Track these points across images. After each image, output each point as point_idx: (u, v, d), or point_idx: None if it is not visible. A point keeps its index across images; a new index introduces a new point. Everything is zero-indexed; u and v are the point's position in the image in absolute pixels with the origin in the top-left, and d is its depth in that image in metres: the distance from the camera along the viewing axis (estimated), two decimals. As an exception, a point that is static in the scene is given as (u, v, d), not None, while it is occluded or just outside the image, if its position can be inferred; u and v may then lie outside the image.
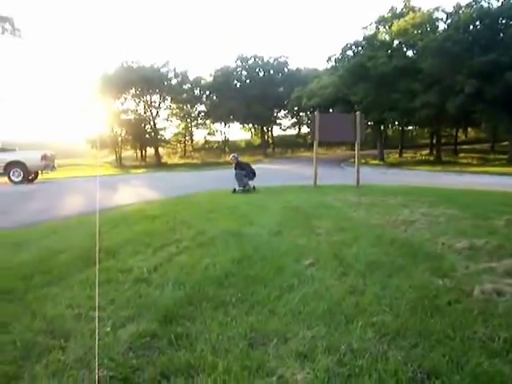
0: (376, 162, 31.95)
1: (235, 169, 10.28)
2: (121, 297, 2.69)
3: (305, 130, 52.63)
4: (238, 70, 44.37)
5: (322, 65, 47.80)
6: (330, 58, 34.04)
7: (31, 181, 15.92)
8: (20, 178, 15.36)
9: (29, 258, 3.82)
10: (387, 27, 32.77)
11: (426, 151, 38.94)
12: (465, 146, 40.31)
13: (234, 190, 9.78)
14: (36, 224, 6.06)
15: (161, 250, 3.91)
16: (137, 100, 39.07)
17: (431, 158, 33.62)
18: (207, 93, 43.62)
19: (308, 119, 42.43)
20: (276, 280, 3.01)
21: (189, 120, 46.20)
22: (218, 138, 50.00)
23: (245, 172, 10.08)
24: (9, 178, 15.43)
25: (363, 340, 2.12)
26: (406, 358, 1.95)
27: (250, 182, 10.16)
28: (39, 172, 16.52)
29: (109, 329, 2.21)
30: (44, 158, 15.76)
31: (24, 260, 3.77)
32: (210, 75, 43.45)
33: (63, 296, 2.77)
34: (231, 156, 11.12)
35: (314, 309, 2.49)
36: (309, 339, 2.13)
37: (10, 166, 15.41)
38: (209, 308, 2.49)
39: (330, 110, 32.01)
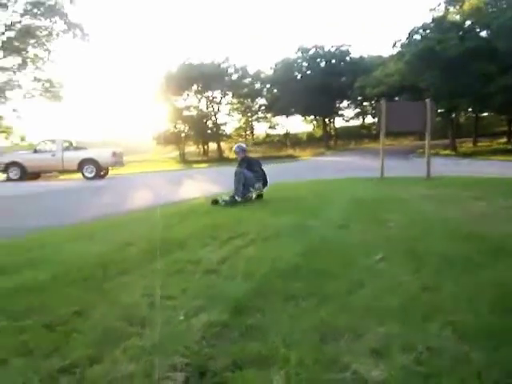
0: (447, 152, 30.44)
1: (239, 165, 7.24)
2: (192, 287, 2.78)
3: (369, 120, 51.32)
4: (299, 61, 43.98)
5: (386, 51, 46.29)
6: (395, 44, 32.82)
7: (102, 176, 16.89)
8: (93, 174, 16.41)
9: (103, 249, 4.04)
10: (458, 7, 31.00)
11: (504, 139, 36.47)
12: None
13: (216, 201, 6.70)
14: (108, 216, 6.41)
15: (228, 243, 3.98)
16: (199, 96, 39.95)
17: (509, 147, 31.43)
18: (268, 86, 43.67)
19: (373, 109, 41.29)
20: (345, 274, 2.96)
21: (249, 114, 46.60)
22: (279, 131, 50.00)
23: (253, 175, 7.06)
24: (82, 174, 16.53)
25: (441, 339, 2.02)
26: (489, 359, 1.83)
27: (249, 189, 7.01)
28: (109, 168, 17.53)
29: (182, 317, 2.29)
30: (114, 155, 16.74)
31: (98, 251, 3.99)
32: (271, 68, 43.48)
33: (137, 285, 2.90)
34: (235, 147, 7.76)
35: (387, 305, 2.41)
36: (382, 336, 2.07)
37: (84, 163, 16.51)
38: (278, 300, 2.49)
39: (396, 99, 30.93)
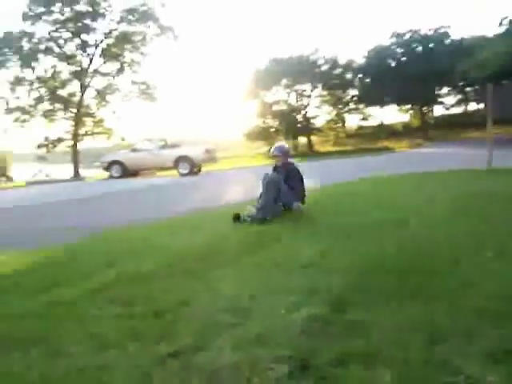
0: None
1: (275, 171, 5.69)
2: (290, 281, 2.82)
3: (472, 107, 47.75)
4: (393, 47, 42.20)
5: (491, 31, 42.56)
6: (501, 22, 30.14)
7: (196, 173, 17.70)
8: (187, 171, 17.29)
9: (202, 242, 4.28)
10: None
11: None
12: None
13: (238, 216, 5.24)
14: (203, 210, 6.73)
15: (324, 237, 3.97)
16: (288, 90, 40.09)
17: None
18: (359, 76, 42.52)
19: (477, 94, 38.40)
20: (454, 273, 2.81)
21: (340, 106, 45.71)
22: (372, 122, 48.39)
23: (292, 191, 5.36)
24: (178, 170, 17.49)
25: None
26: None
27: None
28: (202, 164, 18.34)
29: (283, 311, 2.34)
30: (206, 151, 17.51)
31: (198, 243, 4.23)
32: (363, 57, 42.27)
33: (237, 277, 3.04)
34: (273, 148, 5.90)
35: (503, 307, 2.25)
36: (498, 340, 1.94)
37: (179, 160, 17.45)
38: (381, 298, 2.44)
39: (504, 82, 28.41)
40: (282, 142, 6.30)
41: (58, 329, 2.40)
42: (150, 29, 30.76)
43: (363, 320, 2.18)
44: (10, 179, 27.71)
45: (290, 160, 5.85)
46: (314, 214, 5.33)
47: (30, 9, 28.64)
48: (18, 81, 29.63)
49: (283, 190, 5.31)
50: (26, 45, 29.37)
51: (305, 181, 5.72)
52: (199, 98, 73.57)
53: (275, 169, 5.72)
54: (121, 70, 31.67)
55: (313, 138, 40.89)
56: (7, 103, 29.41)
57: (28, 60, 29.36)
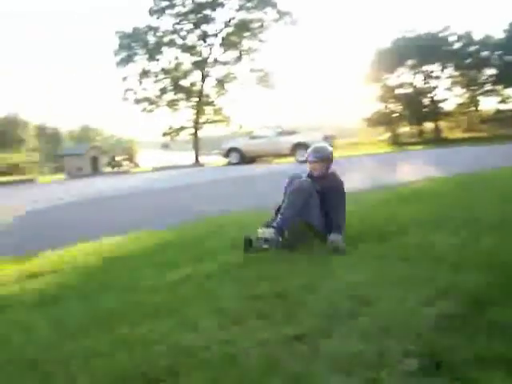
0: None
1: (309, 176, 3.97)
2: (420, 274, 2.70)
3: None
4: (542, 17, 37.65)
5: None
6: None
7: (313, 161, 17.82)
8: (304, 158, 17.45)
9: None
10: None
11: None
12: None
13: (250, 241, 3.51)
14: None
15: (459, 230, 3.71)
16: (414, 72, 38.09)
17: None
18: (498, 53, 38.68)
19: None
20: None
21: (474, 87, 42.12)
22: (514, 105, 43.74)
23: (315, 202, 3.73)
24: (295, 157, 17.75)
25: None
26: None
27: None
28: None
29: (413, 304, 2.25)
30: (325, 138, 17.47)
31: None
32: (504, 31, 38.33)
33: (362, 266, 3.00)
34: (308, 152, 4.04)
35: None
36: None
37: (296, 146, 17.69)
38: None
39: None
40: (322, 144, 4.56)
41: (187, 303, 2.60)
42: (268, 15, 31.41)
43: (506, 321, 2.00)
44: (136, 165, 30.59)
45: (332, 170, 4.08)
46: (439, 206, 5.04)
47: (155, 3, 30.97)
48: (145, 73, 32.36)
49: (314, 204, 3.75)
50: (151, 39, 31.93)
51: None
52: (318, 82, 73.33)
53: (311, 176, 4.01)
54: (239, 58, 32.89)
55: (441, 123, 38.36)
56: (135, 94, 32.31)
57: (153, 53, 31.90)
